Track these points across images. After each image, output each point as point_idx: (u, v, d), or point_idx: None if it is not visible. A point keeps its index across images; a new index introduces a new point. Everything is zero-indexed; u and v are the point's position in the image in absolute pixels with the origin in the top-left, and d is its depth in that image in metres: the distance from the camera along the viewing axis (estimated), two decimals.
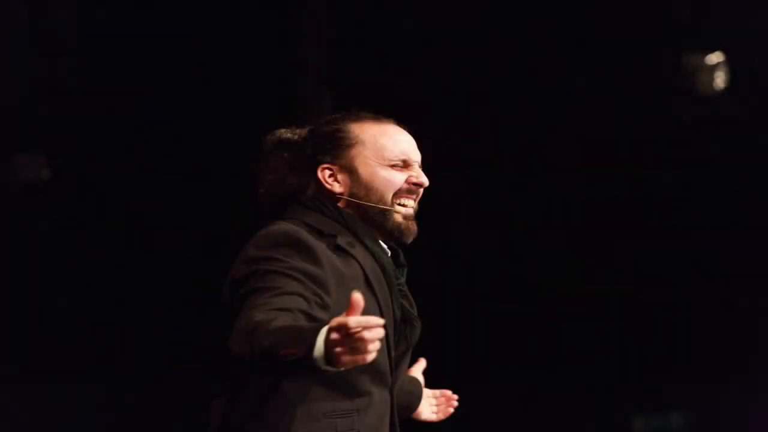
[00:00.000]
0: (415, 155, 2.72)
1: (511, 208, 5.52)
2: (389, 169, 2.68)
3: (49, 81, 5.68)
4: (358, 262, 2.59)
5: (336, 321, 2.17)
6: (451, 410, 3.01)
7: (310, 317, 2.38)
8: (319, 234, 2.59)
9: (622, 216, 5.45)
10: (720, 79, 5.53)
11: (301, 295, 2.42)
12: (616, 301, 5.37)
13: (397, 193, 2.68)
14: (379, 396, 2.60)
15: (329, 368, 2.21)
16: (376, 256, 2.63)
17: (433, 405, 3.00)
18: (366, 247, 2.62)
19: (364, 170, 2.67)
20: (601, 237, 5.42)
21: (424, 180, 2.71)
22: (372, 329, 2.16)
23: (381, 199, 2.66)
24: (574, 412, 5.32)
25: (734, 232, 5.55)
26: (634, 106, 5.77)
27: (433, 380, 3.03)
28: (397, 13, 5.93)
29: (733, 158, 5.59)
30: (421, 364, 2.98)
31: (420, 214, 2.74)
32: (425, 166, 2.76)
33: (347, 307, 2.17)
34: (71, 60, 5.98)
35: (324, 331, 2.19)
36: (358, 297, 2.17)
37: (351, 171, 2.67)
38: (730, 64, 5.51)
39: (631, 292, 5.39)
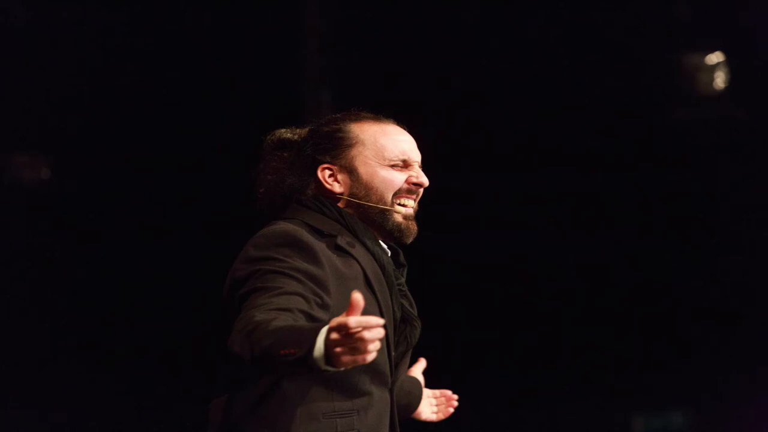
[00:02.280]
0: (415, 155, 2.72)
1: (509, 206, 5.52)
2: (389, 169, 2.67)
3: (44, 81, 5.70)
4: (358, 262, 2.59)
5: (336, 321, 2.17)
6: (451, 410, 3.01)
7: (310, 317, 2.38)
8: (319, 234, 2.59)
9: (622, 215, 5.45)
10: (720, 79, 5.54)
11: (301, 295, 2.41)
12: (616, 300, 5.37)
13: (397, 193, 2.68)
14: (379, 396, 2.60)
15: (329, 368, 2.21)
16: (376, 256, 2.63)
17: (433, 405, 3.00)
18: (366, 247, 2.62)
19: (364, 170, 2.67)
20: (601, 236, 5.42)
21: (424, 180, 2.71)
22: (372, 329, 2.16)
23: (381, 199, 2.66)
24: (574, 412, 5.32)
25: (733, 232, 5.56)
26: (632, 105, 5.78)
27: (431, 380, 3.03)
28: (397, 12, 5.95)
29: (733, 159, 5.60)
30: (421, 364, 2.98)
31: (419, 214, 2.74)
32: (425, 166, 2.76)
33: (347, 307, 2.17)
34: (69, 59, 5.99)
35: (324, 331, 2.19)
36: (358, 297, 2.17)
37: (351, 171, 2.67)
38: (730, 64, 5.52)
39: (631, 292, 5.39)
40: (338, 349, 2.17)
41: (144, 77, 6.16)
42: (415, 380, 2.93)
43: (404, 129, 2.75)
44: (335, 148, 2.69)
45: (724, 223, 5.55)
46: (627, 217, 5.44)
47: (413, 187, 2.70)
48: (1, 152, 5.46)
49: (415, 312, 2.69)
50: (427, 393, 2.98)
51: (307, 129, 2.78)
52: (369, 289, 2.57)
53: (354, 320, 2.15)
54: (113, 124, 5.81)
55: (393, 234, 2.68)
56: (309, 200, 2.67)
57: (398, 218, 2.68)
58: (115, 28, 5.95)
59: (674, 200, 5.49)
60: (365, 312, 2.20)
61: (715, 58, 5.49)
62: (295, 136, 2.78)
